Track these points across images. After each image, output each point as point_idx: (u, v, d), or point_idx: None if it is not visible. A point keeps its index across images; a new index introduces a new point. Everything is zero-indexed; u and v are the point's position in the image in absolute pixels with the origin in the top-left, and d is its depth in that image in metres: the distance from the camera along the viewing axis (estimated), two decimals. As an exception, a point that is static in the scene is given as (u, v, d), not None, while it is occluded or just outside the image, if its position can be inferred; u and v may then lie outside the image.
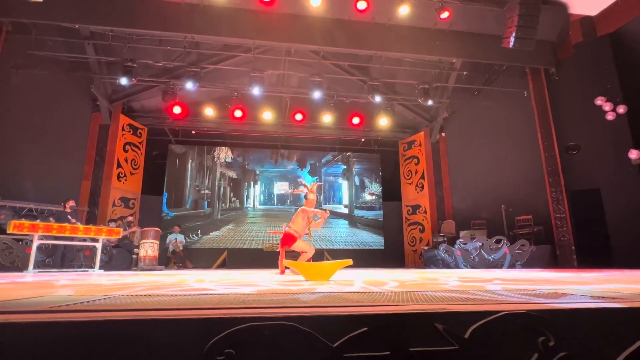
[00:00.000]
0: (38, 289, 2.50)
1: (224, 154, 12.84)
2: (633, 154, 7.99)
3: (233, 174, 12.83)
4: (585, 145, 9.00)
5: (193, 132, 12.37)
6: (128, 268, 8.30)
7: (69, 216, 7.34)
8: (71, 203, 7.63)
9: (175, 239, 10.64)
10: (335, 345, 1.01)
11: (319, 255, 9.62)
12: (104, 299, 1.70)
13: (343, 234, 12.66)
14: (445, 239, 9.93)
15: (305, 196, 5.73)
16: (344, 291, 2.18)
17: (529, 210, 9.40)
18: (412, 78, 10.14)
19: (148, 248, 8.52)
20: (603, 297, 1.62)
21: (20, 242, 6.91)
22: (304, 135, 12.80)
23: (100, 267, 7.23)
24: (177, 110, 10.29)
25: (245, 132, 12.53)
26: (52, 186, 8.96)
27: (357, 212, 13.10)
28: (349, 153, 13.55)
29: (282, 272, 5.38)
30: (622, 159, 8.23)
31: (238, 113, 10.44)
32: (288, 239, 5.30)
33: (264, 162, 13.10)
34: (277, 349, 0.98)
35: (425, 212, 11.59)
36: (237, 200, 12.68)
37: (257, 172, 13.03)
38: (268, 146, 13.28)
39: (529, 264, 8.18)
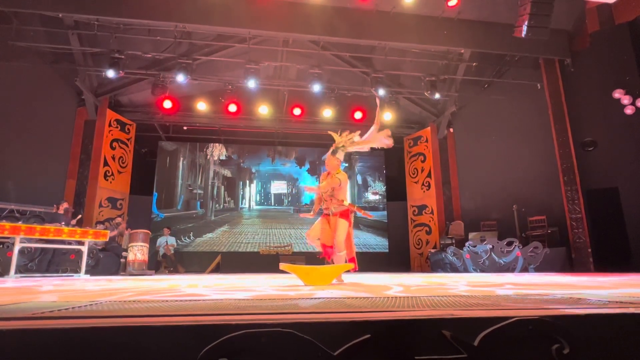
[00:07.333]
0: (20, 295, 2.50)
1: (217, 152, 12.84)
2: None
3: (227, 173, 12.84)
4: (602, 141, 8.99)
5: (185, 128, 12.37)
6: (116, 273, 8.30)
7: (62, 219, 7.47)
8: (65, 205, 7.75)
9: (166, 241, 10.64)
10: (336, 353, 1.01)
11: (319, 258, 9.60)
12: (91, 305, 1.71)
13: (345, 236, 12.64)
14: (454, 241, 9.93)
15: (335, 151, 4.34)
16: (345, 296, 2.18)
17: (542, 211, 9.40)
18: (418, 70, 10.13)
19: (137, 251, 8.52)
20: (621, 303, 1.62)
21: (1, 246, 6.91)
22: (302, 131, 12.78)
23: (87, 272, 7.23)
24: (167, 104, 10.29)
25: (240, 128, 12.53)
26: (34, 186, 8.96)
27: (359, 213, 13.09)
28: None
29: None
30: (641, 156, 8.23)
31: (232, 107, 10.44)
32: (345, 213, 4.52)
33: (260, 159, 13.10)
34: (274, 357, 0.98)
35: (432, 212, 11.60)
36: (232, 201, 12.69)
37: (253, 171, 13.04)
38: (264, 143, 13.28)
39: (543, 267, 8.18)
